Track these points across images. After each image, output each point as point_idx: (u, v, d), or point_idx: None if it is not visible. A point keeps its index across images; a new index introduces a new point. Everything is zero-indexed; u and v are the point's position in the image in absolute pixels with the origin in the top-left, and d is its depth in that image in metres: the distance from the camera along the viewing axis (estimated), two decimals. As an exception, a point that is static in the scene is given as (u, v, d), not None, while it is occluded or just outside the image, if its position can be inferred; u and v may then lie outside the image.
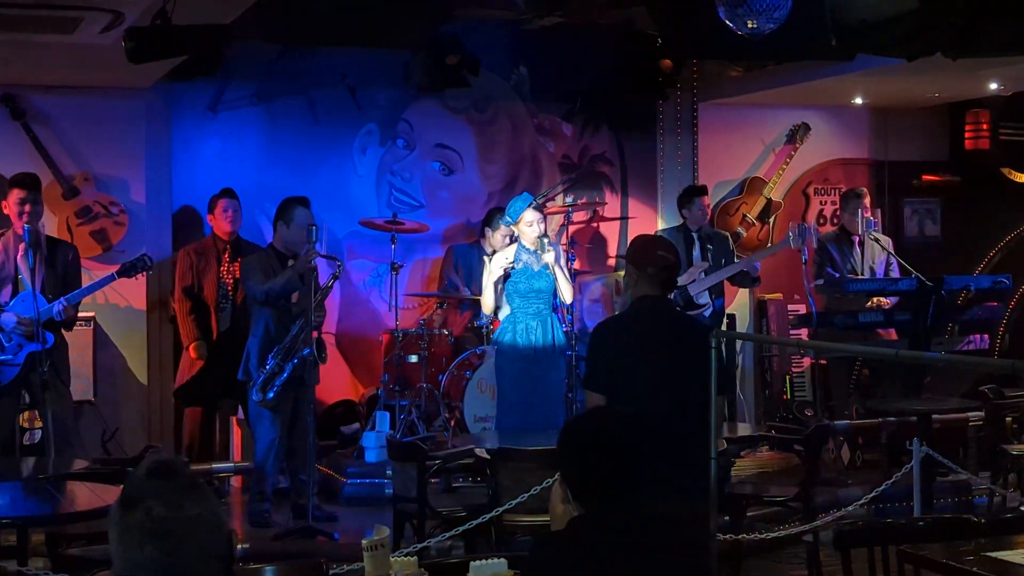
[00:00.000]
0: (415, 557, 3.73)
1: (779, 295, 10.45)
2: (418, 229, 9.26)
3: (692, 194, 9.26)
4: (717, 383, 4.72)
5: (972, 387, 9.05)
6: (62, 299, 7.20)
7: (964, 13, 5.06)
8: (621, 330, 4.81)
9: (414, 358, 8.68)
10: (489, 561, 3.53)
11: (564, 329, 7.81)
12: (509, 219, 7.59)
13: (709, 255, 9.07)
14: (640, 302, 4.71)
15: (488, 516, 5.91)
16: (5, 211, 7.40)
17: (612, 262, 10.24)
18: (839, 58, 7.44)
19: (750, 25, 5.28)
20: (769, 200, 10.54)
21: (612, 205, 10.34)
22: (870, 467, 8.75)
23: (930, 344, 8.62)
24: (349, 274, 9.38)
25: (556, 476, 3.50)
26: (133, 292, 8.82)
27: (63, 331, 7.45)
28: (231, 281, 8.43)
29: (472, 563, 3.52)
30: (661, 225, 10.32)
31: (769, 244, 10.43)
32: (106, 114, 8.89)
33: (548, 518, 3.37)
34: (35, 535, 5.87)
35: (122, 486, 2.29)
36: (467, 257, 9.28)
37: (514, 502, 5.82)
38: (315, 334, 7.32)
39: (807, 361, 10.17)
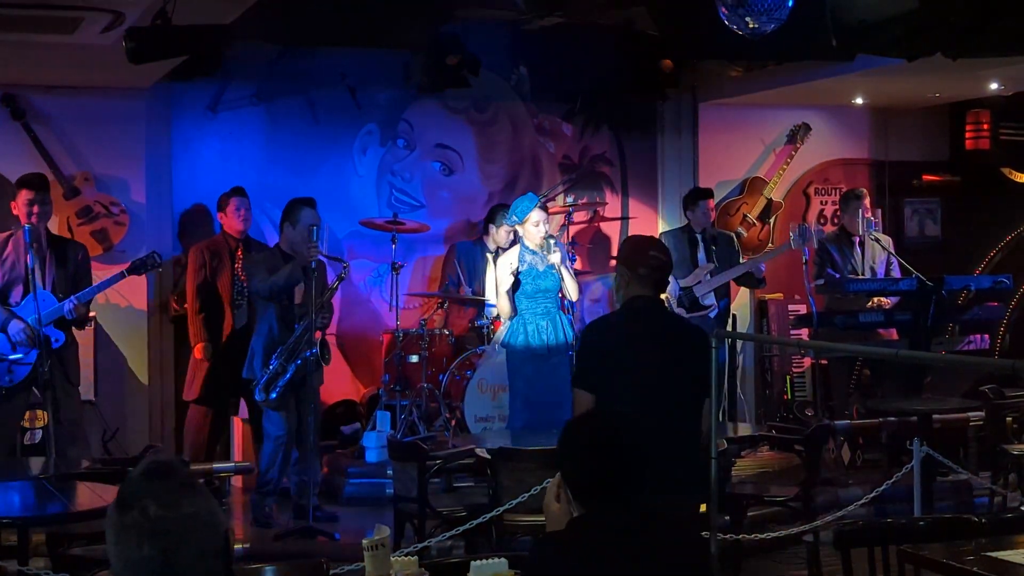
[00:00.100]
0: (416, 557, 3.73)
1: (780, 295, 10.45)
2: (418, 229, 9.26)
3: (697, 196, 9.25)
4: (705, 384, 4.72)
5: (972, 387, 9.05)
6: (72, 298, 7.23)
7: (964, 13, 5.06)
8: (612, 329, 4.80)
9: (415, 358, 8.69)
10: (490, 561, 3.53)
11: (572, 324, 7.81)
12: (516, 219, 7.60)
13: (714, 256, 9.07)
14: (632, 302, 4.71)
15: (488, 516, 5.91)
16: (14, 211, 7.41)
17: (613, 262, 10.22)
18: (839, 58, 7.44)
19: (750, 25, 5.28)
20: (769, 200, 10.54)
21: (612, 205, 10.34)
22: (870, 467, 8.75)
23: (930, 344, 8.63)
24: (350, 274, 9.38)
25: (556, 477, 3.51)
26: (134, 292, 8.83)
27: (75, 330, 7.48)
28: (245, 278, 8.42)
29: (473, 563, 3.52)
30: (662, 225, 10.33)
31: (770, 245, 10.44)
32: (106, 114, 8.90)
33: (549, 518, 3.37)
34: (36, 535, 5.87)
35: (119, 487, 2.30)
36: (470, 254, 9.27)
37: (515, 502, 5.82)
38: (318, 334, 7.33)
39: (808, 361, 10.17)
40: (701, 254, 9.09)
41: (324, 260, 7.62)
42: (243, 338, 8.10)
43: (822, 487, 7.80)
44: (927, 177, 11.07)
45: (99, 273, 7.87)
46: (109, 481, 5.69)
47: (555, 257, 7.48)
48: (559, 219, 9.56)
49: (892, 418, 8.59)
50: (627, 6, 8.97)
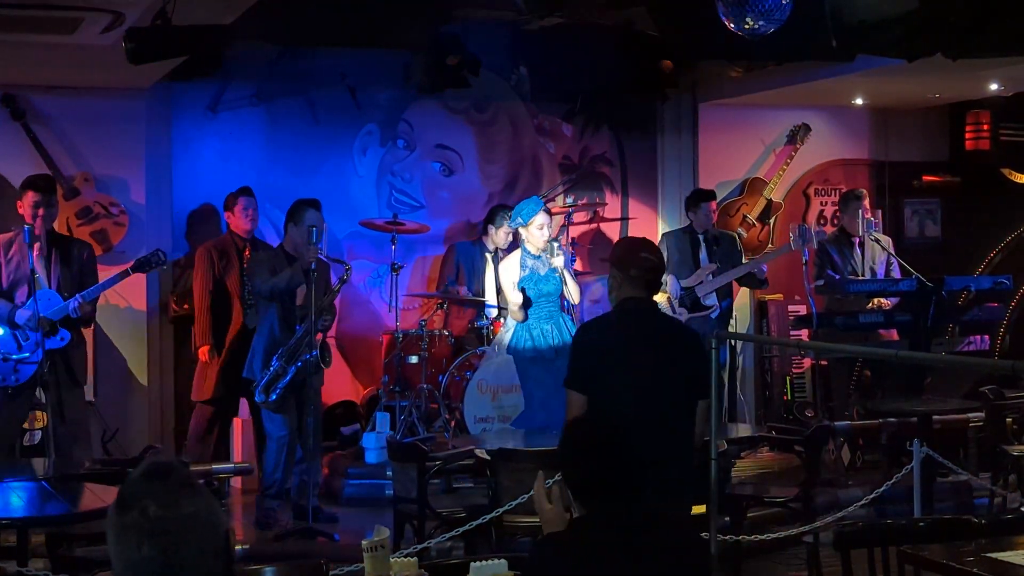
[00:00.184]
0: (415, 558, 3.73)
1: (780, 296, 10.45)
2: (418, 230, 9.26)
3: (699, 198, 9.24)
4: (699, 385, 4.71)
5: (972, 388, 9.05)
6: (77, 296, 7.25)
7: (964, 13, 5.06)
8: (604, 331, 4.79)
9: (414, 359, 8.68)
10: (489, 562, 3.53)
11: (575, 324, 7.82)
12: (520, 221, 7.61)
13: (716, 256, 9.07)
14: (624, 304, 4.70)
15: (488, 517, 5.91)
16: (20, 211, 7.42)
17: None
18: (839, 59, 7.43)
19: (750, 25, 5.28)
20: (769, 201, 10.54)
21: (612, 206, 10.33)
22: (870, 468, 8.75)
23: (930, 345, 8.62)
24: (350, 275, 9.37)
25: (538, 480, 3.51)
26: (133, 293, 8.83)
27: (82, 329, 7.49)
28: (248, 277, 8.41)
29: (472, 564, 3.52)
30: (662, 225, 10.33)
31: (770, 246, 10.44)
32: (106, 114, 8.90)
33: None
34: (35, 536, 5.87)
35: (119, 488, 2.30)
36: (469, 255, 9.27)
37: (514, 503, 5.81)
38: (319, 336, 7.33)
39: (807, 362, 10.17)
40: (703, 255, 9.09)
41: (327, 262, 7.60)
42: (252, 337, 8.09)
43: (822, 488, 7.80)
44: (927, 178, 11.07)
45: (101, 274, 7.87)
46: (108, 482, 5.69)
47: (558, 261, 7.50)
48: (559, 220, 9.55)
49: (892, 419, 8.58)
50: (627, 6, 8.96)
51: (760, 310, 10.52)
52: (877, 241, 9.27)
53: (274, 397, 7.29)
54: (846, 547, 4.22)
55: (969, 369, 9.31)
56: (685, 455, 4.58)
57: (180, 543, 2.19)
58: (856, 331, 8.83)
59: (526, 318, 7.55)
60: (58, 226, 8.56)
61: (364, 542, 3.59)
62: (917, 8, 5.05)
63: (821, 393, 9.71)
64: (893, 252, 9.37)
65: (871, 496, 6.90)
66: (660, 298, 9.02)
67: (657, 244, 9.27)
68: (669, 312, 8.94)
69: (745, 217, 10.48)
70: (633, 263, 4.68)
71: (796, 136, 10.62)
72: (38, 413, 7.61)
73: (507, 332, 7.90)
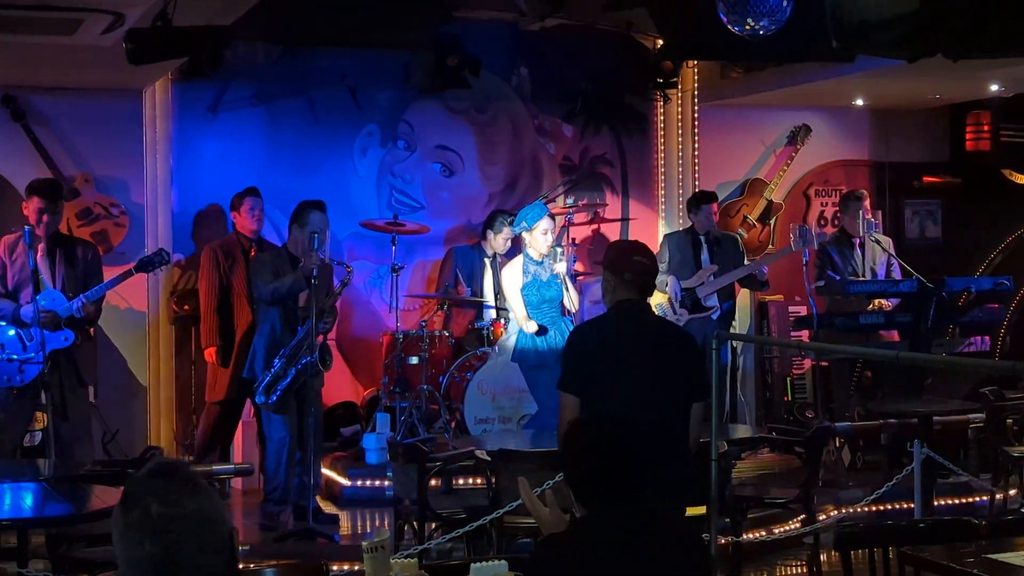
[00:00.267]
0: (415, 559, 3.73)
1: (780, 297, 10.45)
2: (419, 230, 9.25)
3: (700, 200, 9.23)
4: (693, 386, 4.70)
5: (973, 389, 9.04)
6: (81, 296, 7.26)
7: (964, 14, 5.06)
8: (598, 333, 4.78)
9: (414, 360, 8.68)
10: (490, 563, 3.53)
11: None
12: (525, 225, 7.61)
13: (717, 258, 9.06)
14: (618, 306, 4.70)
15: (488, 518, 5.90)
16: (25, 212, 7.43)
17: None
18: (840, 59, 7.44)
19: (751, 26, 5.28)
20: (770, 202, 10.54)
21: (613, 206, 10.33)
22: (871, 469, 8.74)
23: (931, 346, 8.62)
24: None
25: (524, 486, 3.51)
26: (133, 294, 8.82)
27: (89, 329, 7.50)
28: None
29: (473, 565, 3.52)
30: (662, 226, 10.33)
31: (771, 247, 10.44)
32: (107, 115, 8.90)
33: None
34: (35, 537, 5.86)
35: (123, 487, 2.31)
36: (467, 259, 9.27)
37: (515, 504, 5.80)
38: (320, 338, 7.32)
39: (808, 363, 10.17)
40: (704, 256, 9.08)
41: (329, 264, 7.60)
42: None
43: (823, 489, 7.80)
44: (927, 178, 11.07)
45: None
46: (108, 483, 5.68)
47: (561, 267, 7.52)
48: (560, 221, 9.55)
49: (893, 420, 8.58)
50: (627, 7, 8.97)
51: (760, 311, 10.52)
52: (877, 242, 9.27)
53: (274, 399, 7.29)
54: (846, 548, 4.23)
55: (970, 370, 9.31)
56: (680, 457, 4.56)
57: (182, 541, 2.20)
58: (857, 332, 8.83)
59: (541, 331, 7.56)
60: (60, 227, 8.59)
61: (364, 543, 3.59)
62: (917, 9, 5.05)
63: (822, 394, 9.71)
64: (893, 253, 9.37)
65: (872, 497, 6.90)
66: (661, 298, 9.03)
67: (659, 244, 9.41)
68: (670, 312, 8.94)
69: (745, 218, 10.48)
70: (626, 266, 4.68)
71: (796, 137, 10.63)
72: (38, 414, 7.61)
73: (510, 338, 7.91)
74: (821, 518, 7.10)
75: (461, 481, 7.74)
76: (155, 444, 8.73)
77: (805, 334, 9.68)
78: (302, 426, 7.36)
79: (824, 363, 9.76)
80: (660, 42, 9.86)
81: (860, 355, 9.10)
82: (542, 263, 7.62)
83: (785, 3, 5.24)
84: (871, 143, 10.99)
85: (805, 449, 6.87)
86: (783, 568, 7.22)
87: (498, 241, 9.03)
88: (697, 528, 5.02)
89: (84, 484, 5.76)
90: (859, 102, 10.55)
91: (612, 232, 10.27)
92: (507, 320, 8.37)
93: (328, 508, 7.87)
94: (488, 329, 8.73)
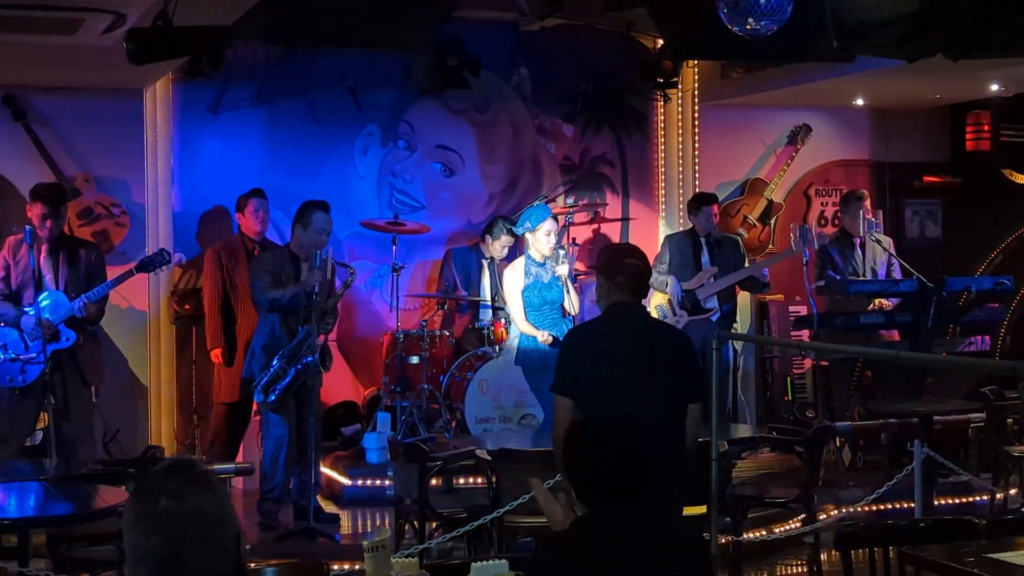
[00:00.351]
0: (416, 558, 3.74)
1: (780, 296, 10.45)
2: (419, 230, 9.26)
3: (700, 202, 9.21)
4: (689, 387, 4.70)
5: (973, 389, 9.05)
6: (82, 296, 7.26)
7: (965, 14, 5.05)
8: (592, 335, 4.78)
9: (415, 359, 8.68)
10: (490, 562, 3.53)
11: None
12: (529, 226, 7.62)
13: (717, 259, 9.06)
14: (611, 309, 4.71)
15: (489, 517, 5.91)
16: (28, 214, 7.44)
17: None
18: (840, 59, 7.42)
19: (751, 26, 5.28)
20: (770, 201, 10.54)
21: (613, 206, 10.33)
22: (871, 468, 8.75)
23: (931, 346, 8.62)
24: (350, 276, 9.38)
25: (533, 482, 3.52)
26: (134, 294, 8.83)
27: (91, 328, 7.51)
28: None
29: (473, 564, 3.53)
30: (662, 226, 10.34)
31: (771, 247, 10.45)
32: (107, 115, 8.90)
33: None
34: (36, 536, 5.87)
35: (128, 484, 2.33)
36: (465, 261, 9.28)
37: (515, 503, 5.81)
38: (321, 338, 7.32)
39: (808, 362, 10.17)
40: (705, 257, 9.08)
41: (332, 265, 7.60)
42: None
43: (823, 488, 7.80)
44: (928, 178, 11.07)
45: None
46: (109, 482, 5.69)
47: (563, 269, 7.54)
48: (560, 220, 9.55)
49: (893, 419, 8.59)
50: (628, 7, 8.98)
51: (761, 311, 10.52)
52: (878, 242, 9.28)
53: (272, 398, 7.29)
54: (847, 547, 4.23)
55: (970, 370, 9.31)
56: (676, 458, 4.56)
57: (186, 536, 2.23)
58: (857, 332, 8.83)
59: (556, 343, 7.56)
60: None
61: (365, 542, 3.60)
62: (917, 9, 5.04)
63: (822, 394, 9.71)
64: (894, 253, 9.37)
65: (872, 496, 6.90)
66: (661, 299, 9.04)
67: (659, 244, 9.41)
68: (670, 314, 8.94)
69: (746, 218, 10.48)
70: (619, 269, 4.69)
71: (797, 137, 10.63)
72: (41, 413, 7.61)
73: (512, 341, 7.92)
74: (821, 518, 7.10)
75: (462, 480, 7.75)
76: (156, 443, 8.72)
77: (805, 334, 9.68)
78: (302, 426, 7.37)
79: (824, 363, 9.76)
80: (660, 42, 9.86)
81: (860, 355, 9.10)
82: (544, 265, 7.64)
83: (785, 3, 5.24)
84: (871, 143, 11.00)
85: (805, 449, 6.87)
86: (783, 568, 7.23)
87: (496, 247, 9.03)
88: (697, 527, 5.02)
89: (85, 484, 5.77)
90: (859, 102, 10.56)
91: (612, 232, 10.28)
92: (507, 320, 8.37)
93: (329, 507, 7.87)
94: (488, 329, 8.74)
